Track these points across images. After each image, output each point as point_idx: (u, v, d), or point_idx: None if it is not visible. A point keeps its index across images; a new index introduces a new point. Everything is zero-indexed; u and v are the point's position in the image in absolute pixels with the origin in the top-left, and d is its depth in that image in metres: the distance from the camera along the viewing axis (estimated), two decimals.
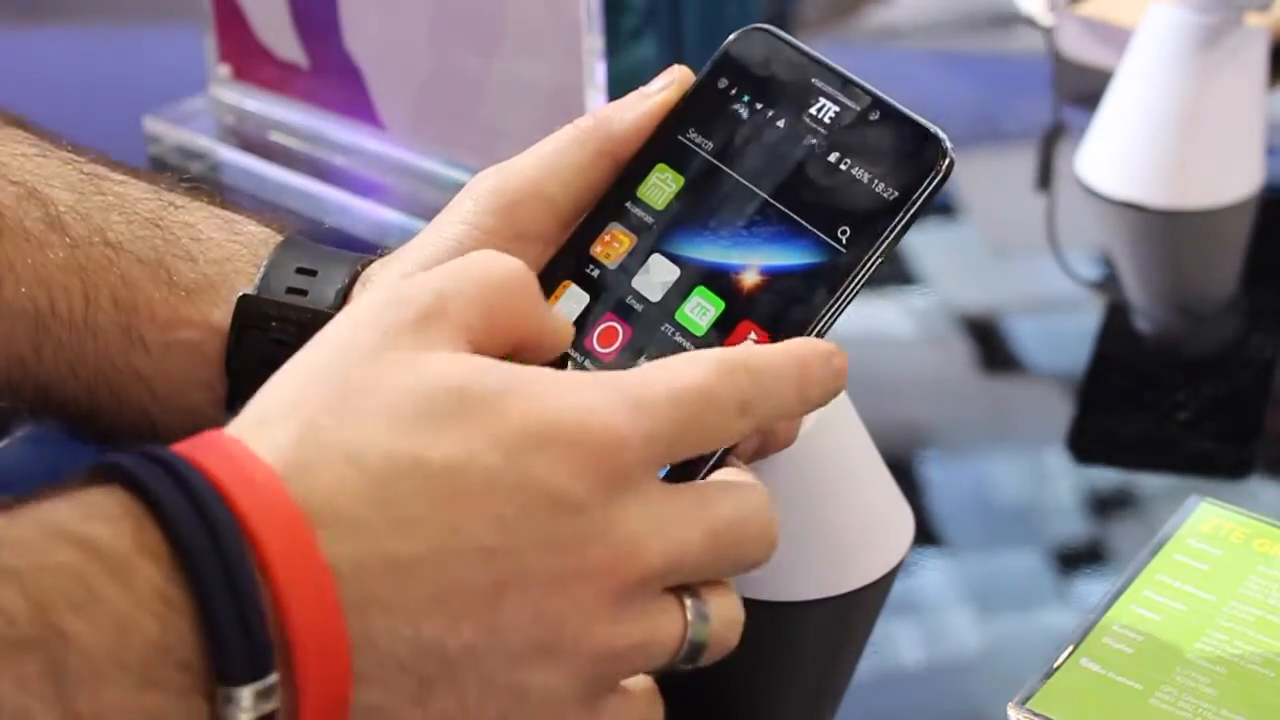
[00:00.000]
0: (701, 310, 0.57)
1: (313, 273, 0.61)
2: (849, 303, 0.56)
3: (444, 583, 0.46)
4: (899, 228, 0.56)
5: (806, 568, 0.64)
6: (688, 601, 0.50)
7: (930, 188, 0.56)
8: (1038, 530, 0.70)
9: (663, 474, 0.52)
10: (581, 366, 0.57)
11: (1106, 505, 0.72)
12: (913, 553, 0.66)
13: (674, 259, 0.58)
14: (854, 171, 0.56)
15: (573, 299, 0.58)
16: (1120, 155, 0.91)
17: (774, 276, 0.56)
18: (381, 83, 0.89)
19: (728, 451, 0.54)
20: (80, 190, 0.63)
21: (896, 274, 0.86)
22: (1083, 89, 0.99)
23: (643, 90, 0.60)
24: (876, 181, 0.56)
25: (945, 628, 0.65)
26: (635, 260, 0.58)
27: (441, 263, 0.56)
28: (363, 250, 0.63)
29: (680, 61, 0.60)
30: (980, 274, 0.89)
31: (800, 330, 0.55)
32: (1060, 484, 0.73)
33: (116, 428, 0.62)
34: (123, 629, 0.43)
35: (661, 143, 0.59)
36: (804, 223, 0.57)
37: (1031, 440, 0.76)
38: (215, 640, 0.44)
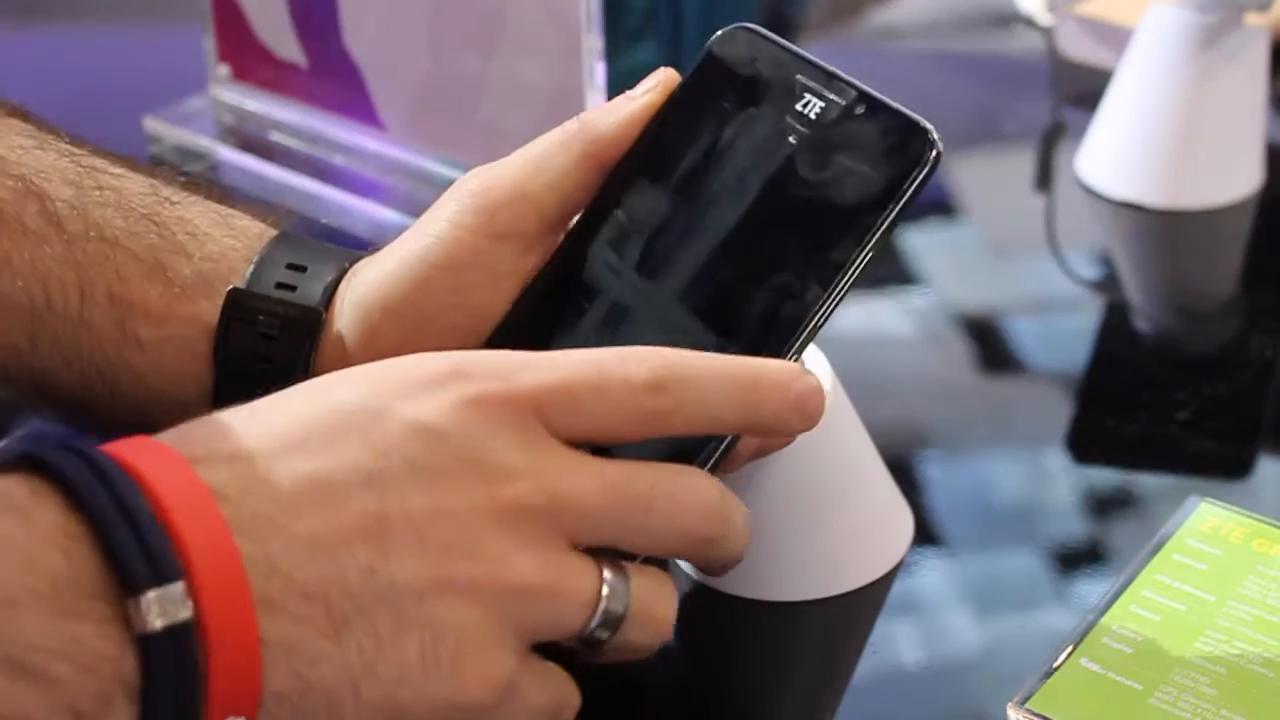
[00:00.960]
0: (690, 311, 0.57)
1: (302, 269, 0.62)
2: (842, 299, 0.55)
3: (330, 502, 0.48)
4: (889, 220, 0.55)
5: (806, 567, 0.64)
6: (606, 571, 0.51)
7: (918, 179, 0.55)
8: (1037, 530, 0.70)
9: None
10: None
11: (1106, 505, 0.72)
12: (912, 553, 0.66)
13: (661, 260, 0.58)
14: (842, 166, 0.56)
15: (559, 302, 0.58)
16: (1120, 155, 0.91)
17: (764, 275, 0.56)
18: (381, 83, 0.89)
19: (727, 451, 0.54)
20: (78, 185, 0.63)
21: (896, 274, 0.85)
22: (1082, 89, 0.99)
23: (628, 94, 0.60)
24: (865, 175, 0.56)
25: (945, 628, 0.65)
26: (623, 262, 0.58)
27: (423, 260, 0.58)
28: (357, 246, 0.64)
29: (680, 62, 0.60)
30: (980, 274, 0.89)
31: (794, 327, 0.55)
32: (1060, 484, 0.73)
33: (111, 418, 0.62)
34: (30, 562, 0.45)
35: (648, 145, 0.59)
36: (793, 219, 0.56)
37: (1031, 440, 0.76)
38: (117, 559, 0.46)
